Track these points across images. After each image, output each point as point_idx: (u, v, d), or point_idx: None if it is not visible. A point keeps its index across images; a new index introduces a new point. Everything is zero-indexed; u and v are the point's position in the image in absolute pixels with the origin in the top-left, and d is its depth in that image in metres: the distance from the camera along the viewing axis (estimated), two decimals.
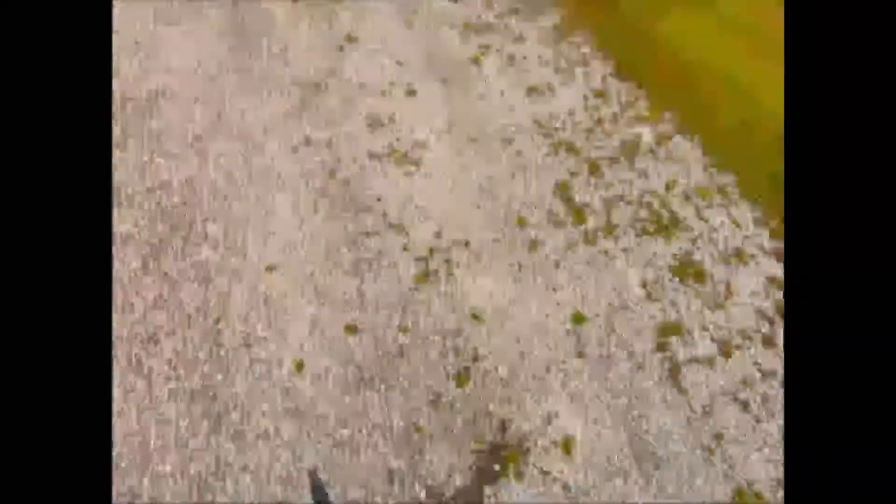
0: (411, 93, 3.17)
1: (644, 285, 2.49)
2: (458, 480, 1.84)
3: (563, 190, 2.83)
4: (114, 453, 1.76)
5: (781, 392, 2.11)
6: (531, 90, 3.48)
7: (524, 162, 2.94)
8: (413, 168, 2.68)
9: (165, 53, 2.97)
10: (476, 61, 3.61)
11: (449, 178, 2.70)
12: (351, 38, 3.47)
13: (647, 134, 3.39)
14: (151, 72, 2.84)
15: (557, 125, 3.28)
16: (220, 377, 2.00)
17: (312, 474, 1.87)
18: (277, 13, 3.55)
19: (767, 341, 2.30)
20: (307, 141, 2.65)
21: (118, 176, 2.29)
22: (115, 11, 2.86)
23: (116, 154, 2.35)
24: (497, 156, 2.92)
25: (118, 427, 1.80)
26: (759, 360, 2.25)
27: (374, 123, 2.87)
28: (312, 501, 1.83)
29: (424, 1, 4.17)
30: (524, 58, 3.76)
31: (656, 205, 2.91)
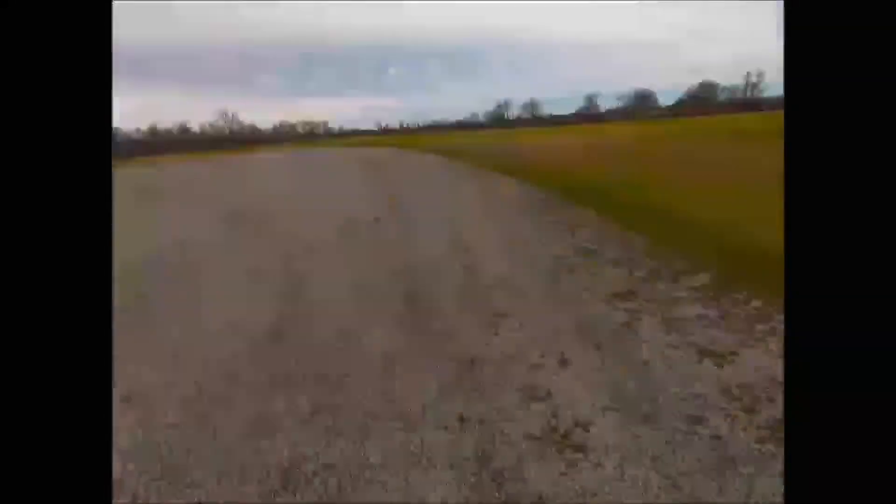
0: (564, 362, 3.04)
1: None
2: None
3: None
4: None
5: None
6: (705, 354, 2.97)
7: (729, 453, 2.16)
8: (579, 456, 2.20)
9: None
10: (629, 326, 3.38)
11: (629, 472, 2.09)
12: (498, 314, 3.85)
13: None
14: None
15: (760, 395, 2.58)
16: None
17: None
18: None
19: None
20: (460, 419, 2.55)
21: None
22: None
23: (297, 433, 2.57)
24: (686, 441, 2.24)
25: None
26: None
27: (529, 398, 2.69)
28: None
29: (565, 276, 4.65)
30: (684, 319, 3.43)
31: None
